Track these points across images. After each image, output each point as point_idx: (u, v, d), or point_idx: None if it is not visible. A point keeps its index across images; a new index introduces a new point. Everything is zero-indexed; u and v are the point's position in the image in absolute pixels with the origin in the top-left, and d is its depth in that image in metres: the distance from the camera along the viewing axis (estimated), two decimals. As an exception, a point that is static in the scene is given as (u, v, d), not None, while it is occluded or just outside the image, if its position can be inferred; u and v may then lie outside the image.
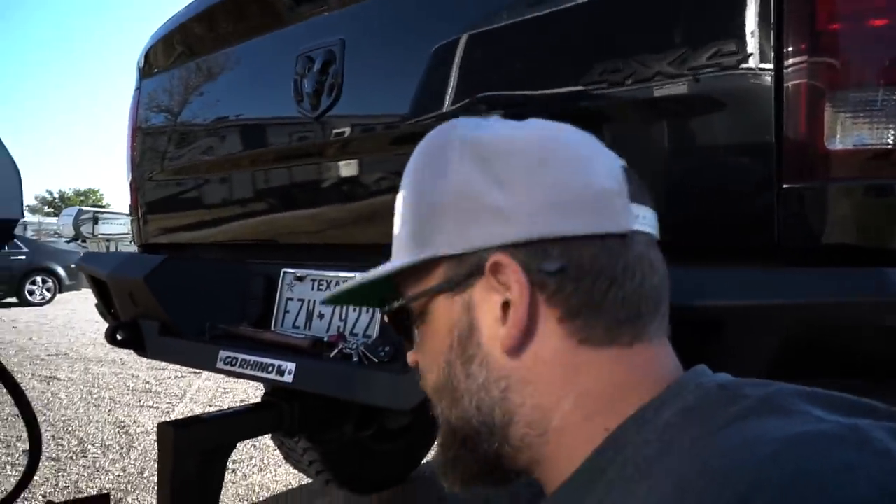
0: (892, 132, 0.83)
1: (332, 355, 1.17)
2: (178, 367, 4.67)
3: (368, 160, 1.32)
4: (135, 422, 3.47)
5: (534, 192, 0.47)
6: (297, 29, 1.37)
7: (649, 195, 0.51)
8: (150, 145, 1.77)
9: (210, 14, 1.57)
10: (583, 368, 0.47)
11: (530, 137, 0.51)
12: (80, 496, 2.43)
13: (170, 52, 1.71)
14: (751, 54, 0.85)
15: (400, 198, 0.55)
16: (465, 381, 0.50)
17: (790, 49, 0.83)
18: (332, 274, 1.34)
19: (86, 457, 2.95)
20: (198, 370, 4.55)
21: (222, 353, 1.24)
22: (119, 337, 1.45)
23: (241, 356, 1.21)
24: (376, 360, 1.13)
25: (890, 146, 0.83)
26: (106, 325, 1.55)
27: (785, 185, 0.84)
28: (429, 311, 0.52)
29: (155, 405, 3.80)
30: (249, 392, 3.95)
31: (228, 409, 1.28)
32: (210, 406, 3.73)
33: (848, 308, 0.72)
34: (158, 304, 1.41)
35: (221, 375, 4.40)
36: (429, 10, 1.23)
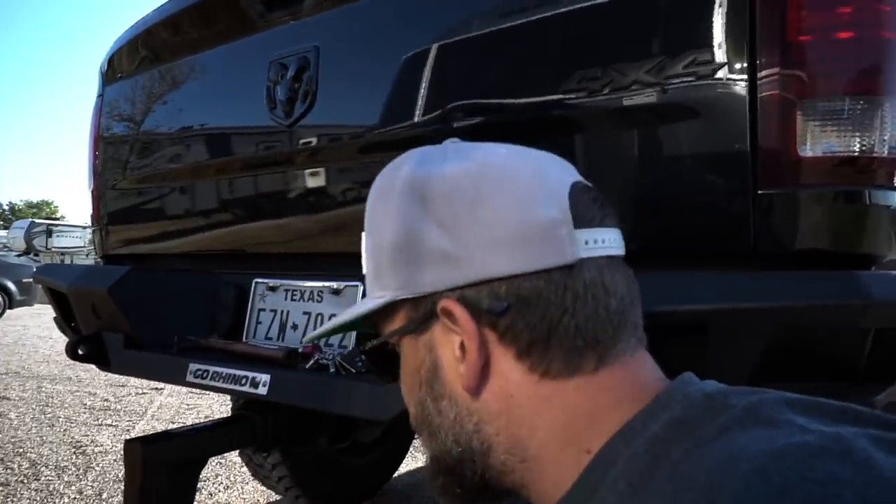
0: (858, 140, 0.86)
1: (307, 366, 1.15)
2: (138, 383, 4.52)
3: (342, 168, 1.30)
4: (92, 441, 3.34)
5: (473, 232, 0.47)
6: (270, 35, 1.35)
7: (610, 211, 0.51)
8: (113, 153, 1.72)
9: (178, 19, 1.54)
10: (550, 400, 0.47)
11: (470, 172, 0.49)
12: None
13: (135, 58, 1.67)
14: (725, 64, 0.87)
15: (363, 236, 0.56)
16: (437, 416, 0.51)
17: (763, 59, 0.85)
18: (306, 284, 1.31)
19: (38, 480, 2.81)
20: (159, 386, 4.41)
21: (192, 366, 1.20)
22: (80, 351, 1.39)
23: (212, 368, 1.18)
24: (353, 371, 1.11)
25: (856, 153, 0.86)
26: (64, 341, 1.49)
27: (760, 192, 0.86)
28: (400, 349, 0.54)
29: (114, 423, 3.66)
30: (214, 408, 3.85)
31: (199, 423, 1.24)
32: (173, 423, 3.61)
33: (824, 311, 0.74)
34: (123, 316, 1.36)
35: (185, 391, 4.24)
36: (405, 18, 1.22)
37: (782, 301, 0.75)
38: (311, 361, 1.16)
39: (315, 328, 1.27)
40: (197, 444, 1.05)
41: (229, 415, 1.29)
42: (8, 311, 10.36)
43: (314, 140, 1.30)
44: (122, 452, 3.08)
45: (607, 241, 0.49)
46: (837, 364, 0.81)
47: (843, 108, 0.85)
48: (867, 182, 0.86)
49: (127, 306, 1.36)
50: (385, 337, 0.54)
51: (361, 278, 1.36)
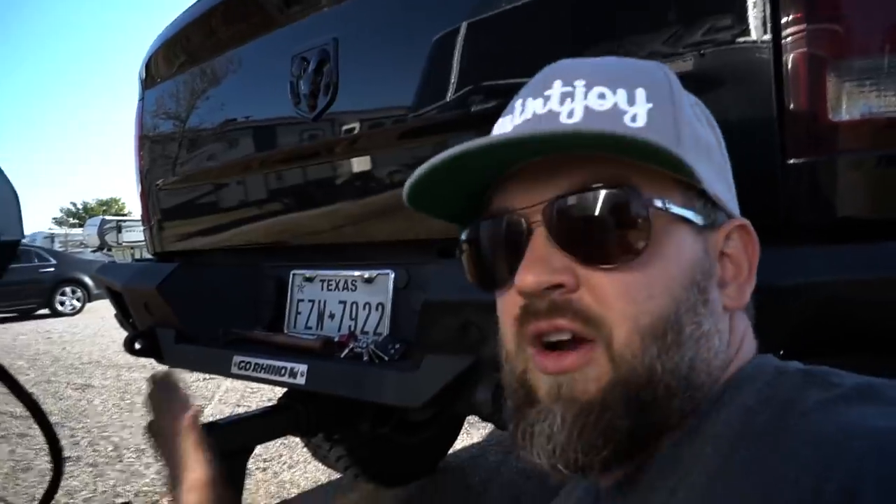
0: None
1: (342, 355, 1.18)
2: (205, 369, 4.75)
3: (368, 157, 1.31)
4: (166, 425, 3.53)
5: (727, 173, 0.52)
6: (291, 30, 1.37)
7: None
8: (155, 154, 1.79)
9: (204, 20, 1.57)
10: (744, 337, 0.49)
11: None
12: (117, 501, 2.50)
13: (168, 61, 1.72)
14: (746, 24, 0.82)
15: (639, 95, 0.47)
16: (692, 325, 0.44)
17: (787, 16, 0.80)
18: (340, 273, 1.34)
19: (122, 461, 3.01)
20: (225, 371, 4.62)
21: (236, 358, 1.25)
22: (137, 346, 1.47)
23: (254, 360, 1.22)
24: (386, 358, 1.13)
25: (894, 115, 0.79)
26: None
27: (790, 161, 0.81)
28: (664, 232, 0.45)
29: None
30: (277, 391, 4.00)
31: (244, 413, 1.30)
32: (238, 406, 3.78)
33: (864, 285, 0.70)
34: (172, 311, 1.42)
35: (247, 376, 4.35)
36: (420, 5, 1.21)
37: (831, 276, 0.72)
38: (347, 350, 1.18)
39: (351, 317, 1.30)
40: (243, 433, 1.10)
41: (274, 404, 1.33)
42: (88, 305, 11.03)
43: (337, 131, 1.31)
44: (192, 436, 3.22)
45: None
46: (877, 338, 0.77)
47: (882, 64, 0.79)
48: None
49: (175, 302, 1.43)
50: (673, 208, 0.45)
51: (392, 265, 1.36)
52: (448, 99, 1.12)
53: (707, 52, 0.85)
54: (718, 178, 0.49)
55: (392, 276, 1.24)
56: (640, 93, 0.46)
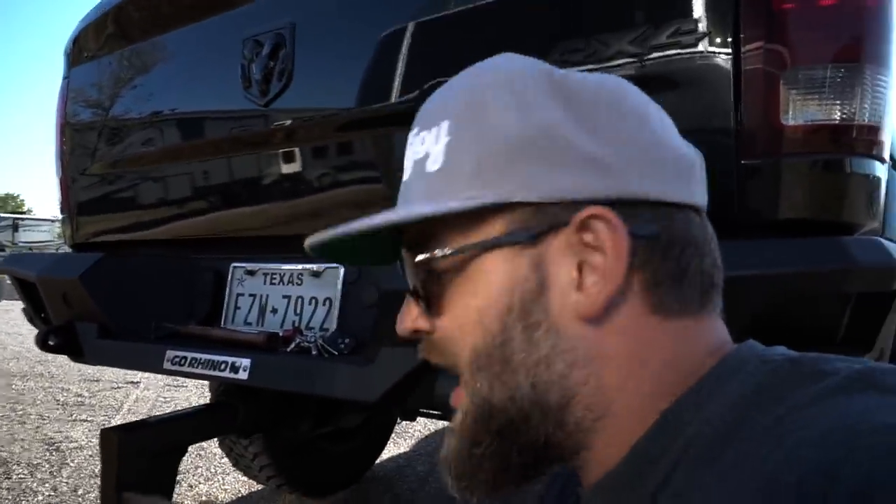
0: (838, 108, 0.86)
1: (288, 350, 1.13)
2: (113, 377, 4.44)
3: (320, 148, 1.27)
4: (66, 437, 3.26)
5: (629, 147, 0.42)
6: (244, 12, 1.31)
7: None
8: (81, 138, 1.66)
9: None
10: (653, 342, 0.42)
11: (614, 86, 0.45)
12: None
13: (102, 38, 1.61)
14: (709, 34, 0.87)
15: (438, 130, 0.45)
16: (523, 351, 0.42)
17: (747, 28, 0.85)
18: (285, 267, 1.29)
19: (10, 478, 2.75)
20: (135, 380, 4.34)
21: (170, 353, 1.17)
22: (51, 342, 1.35)
23: (190, 355, 1.15)
24: (336, 353, 1.09)
25: (836, 122, 0.86)
26: (35, 333, 1.44)
27: (743, 161, 0.86)
28: (473, 265, 0.44)
29: (89, 418, 3.58)
30: (192, 400, 3.79)
31: (178, 410, 1.22)
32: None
33: (810, 277, 0.74)
34: (96, 304, 1.32)
35: (161, 385, 4.17)
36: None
37: (770, 269, 0.75)
38: (293, 345, 1.14)
39: (296, 312, 1.25)
40: (176, 432, 1.02)
41: (208, 402, 1.26)
42: (-27, 309, 10.08)
43: (290, 120, 1.26)
44: (97, 448, 3.01)
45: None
46: (816, 331, 0.82)
47: (825, 76, 0.85)
48: (847, 150, 0.86)
49: (100, 294, 1.32)
50: (474, 245, 0.43)
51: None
52: (408, 93, 1.11)
53: (671, 55, 0.88)
54: (559, 166, 0.42)
55: (342, 269, 1.20)
56: (444, 126, 0.45)
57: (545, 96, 0.43)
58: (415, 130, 0.48)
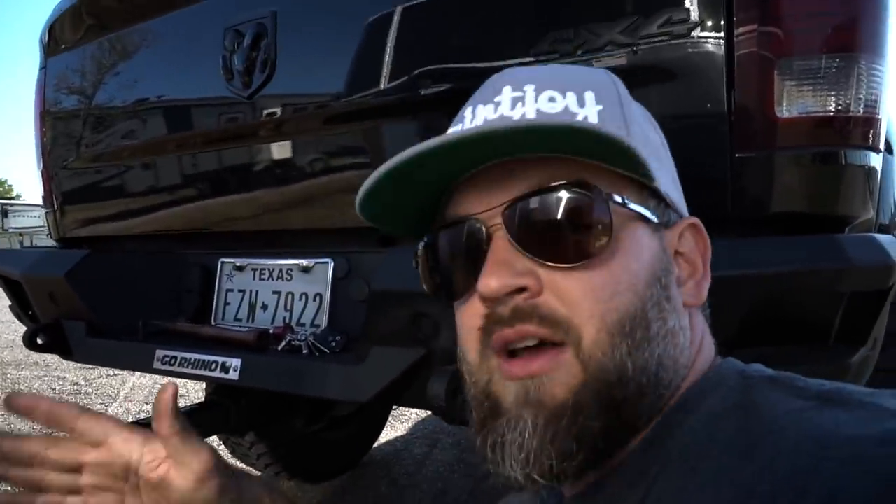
0: (833, 99, 0.84)
1: (279, 348, 1.11)
2: (107, 365, 4.44)
3: (306, 140, 1.25)
4: (63, 426, 3.26)
5: (671, 172, 0.53)
6: (224, 0, 1.27)
7: None
8: (61, 130, 1.62)
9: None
10: (703, 337, 0.49)
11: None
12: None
13: (79, 26, 1.56)
14: (702, 22, 0.84)
15: (588, 97, 0.47)
16: (659, 320, 0.44)
17: (741, 16, 0.82)
18: (275, 262, 1.27)
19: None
20: (130, 367, 4.34)
21: (159, 353, 1.16)
22: (39, 341, 1.33)
23: (180, 354, 1.13)
24: (327, 351, 1.08)
25: (832, 113, 0.84)
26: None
27: (738, 155, 0.84)
28: (624, 229, 0.45)
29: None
30: (189, 387, 3.80)
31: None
32: (147, 405, 3.56)
33: (807, 276, 0.73)
34: (83, 302, 1.30)
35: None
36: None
37: (763, 269, 0.74)
38: (283, 343, 1.12)
39: (286, 308, 1.24)
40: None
41: (201, 401, 1.24)
42: (-33, 296, 10.00)
43: (274, 111, 1.23)
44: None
45: None
46: (811, 328, 0.81)
47: (819, 66, 0.83)
48: (843, 142, 0.85)
49: (87, 292, 1.30)
50: (631, 205, 0.45)
51: (331, 254, 1.30)
52: (394, 81, 1.08)
53: (662, 45, 0.86)
54: (667, 178, 0.49)
55: (331, 265, 1.18)
56: (589, 95, 0.47)
57: (650, 120, 0.53)
58: (529, 87, 0.47)
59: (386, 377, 0.91)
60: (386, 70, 1.09)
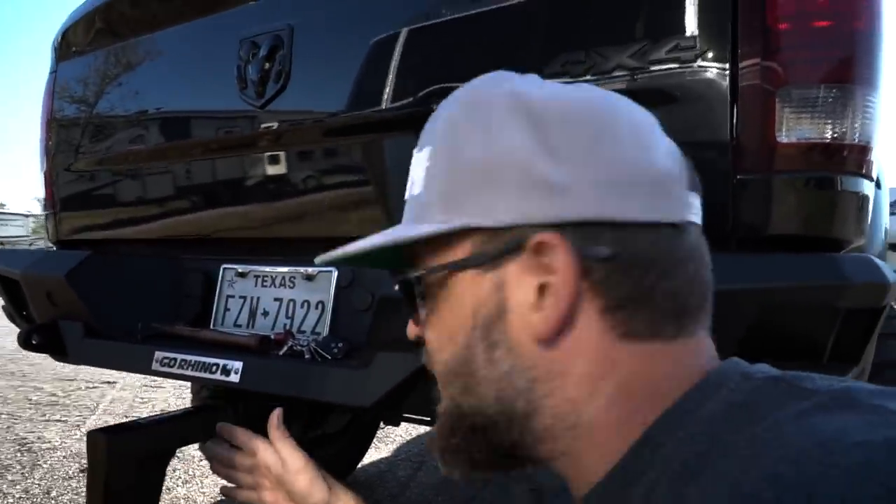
0: (830, 127, 0.88)
1: (280, 353, 1.12)
2: (88, 377, 4.35)
3: (315, 151, 1.27)
4: (39, 437, 3.19)
5: (590, 167, 0.42)
6: (240, 12, 1.31)
7: (699, 183, 0.48)
8: (68, 134, 1.64)
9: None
10: (620, 363, 0.42)
11: (589, 104, 0.45)
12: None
13: (93, 32, 1.59)
14: (707, 51, 0.88)
15: (424, 153, 0.48)
16: (486, 367, 0.45)
17: (744, 47, 0.87)
18: (277, 269, 1.28)
19: (-21, 474, 2.68)
20: (111, 379, 4.26)
21: (158, 354, 1.16)
22: (34, 341, 1.32)
23: (180, 356, 1.13)
24: (329, 357, 1.09)
25: (828, 140, 0.88)
26: (5, 335, 1.41)
27: (739, 177, 0.88)
28: (448, 284, 0.47)
29: (63, 419, 3.51)
30: (170, 401, 3.74)
31: (166, 412, 1.20)
32: (126, 417, 3.49)
33: (803, 292, 0.76)
34: (82, 303, 1.30)
35: (138, 385, 4.09)
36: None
37: (761, 283, 0.77)
38: (285, 348, 1.13)
39: (287, 315, 1.24)
40: (165, 435, 1.01)
41: (200, 404, 1.24)
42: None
43: (286, 122, 1.26)
44: (71, 449, 2.95)
45: (700, 210, 0.47)
46: (806, 344, 0.84)
47: (818, 95, 0.88)
48: (839, 169, 0.89)
49: (86, 293, 1.30)
50: (443, 266, 0.46)
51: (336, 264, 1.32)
52: (405, 97, 1.11)
53: (669, 71, 0.90)
54: (516, 193, 0.43)
55: (335, 273, 1.20)
56: (426, 151, 0.48)
57: (510, 120, 0.44)
58: (417, 148, 0.51)
59: (390, 381, 0.92)
60: (397, 85, 1.12)
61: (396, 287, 0.52)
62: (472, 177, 0.44)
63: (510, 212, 0.43)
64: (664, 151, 0.45)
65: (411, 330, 0.54)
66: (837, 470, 0.30)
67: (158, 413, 3.46)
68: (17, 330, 1.42)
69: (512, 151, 0.43)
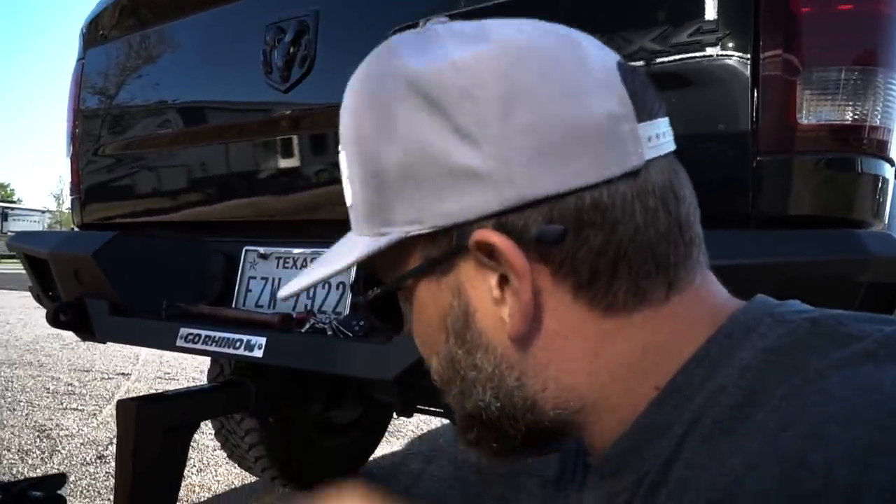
0: (851, 110, 0.89)
1: (303, 330, 1.14)
2: (104, 367, 4.41)
3: (337, 134, 1.29)
4: (57, 425, 3.24)
5: (509, 141, 0.36)
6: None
7: (656, 94, 0.40)
8: (95, 119, 1.67)
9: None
10: (614, 337, 0.38)
11: (493, 59, 0.37)
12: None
13: (122, 19, 1.62)
14: (729, 34, 0.90)
15: (343, 158, 0.44)
16: (471, 371, 0.41)
17: (767, 30, 0.88)
18: (298, 251, 1.30)
19: (0, 463, 2.72)
20: (126, 371, 4.31)
21: (183, 331, 1.18)
22: (62, 318, 1.35)
23: (204, 332, 1.16)
24: (350, 335, 1.11)
25: (849, 122, 0.89)
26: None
27: (760, 158, 0.89)
28: (415, 294, 0.43)
29: (80, 407, 3.56)
30: (191, 375, 3.78)
31: (192, 386, 1.22)
32: (141, 407, 3.53)
33: (825, 266, 0.77)
34: (108, 281, 1.33)
35: (152, 377, 4.13)
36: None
37: (785, 257, 0.78)
38: (307, 326, 1.15)
39: (308, 295, 1.27)
40: (191, 406, 1.03)
41: (223, 380, 1.26)
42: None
43: (310, 105, 1.28)
44: (89, 436, 2.99)
45: (667, 135, 0.39)
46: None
47: (839, 78, 0.88)
48: (859, 150, 0.90)
49: (112, 271, 1.33)
50: (391, 285, 0.43)
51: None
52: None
53: (692, 55, 0.91)
54: (439, 189, 0.38)
55: (356, 254, 1.22)
56: (343, 157, 0.44)
57: (409, 109, 0.38)
58: (340, 150, 0.46)
59: (412, 356, 0.93)
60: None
61: (360, 322, 0.52)
62: (393, 182, 0.39)
63: (443, 213, 0.38)
64: (597, 84, 0.37)
65: (406, 329, 0.51)
66: (880, 421, 0.28)
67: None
68: (34, 322, 1.45)
69: (423, 146, 0.38)
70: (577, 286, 0.38)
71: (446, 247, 0.39)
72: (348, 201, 0.44)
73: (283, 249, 1.33)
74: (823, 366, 0.32)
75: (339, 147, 0.44)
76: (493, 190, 0.36)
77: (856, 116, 0.89)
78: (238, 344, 1.12)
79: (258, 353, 1.09)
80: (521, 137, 0.36)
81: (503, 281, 0.38)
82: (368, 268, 0.44)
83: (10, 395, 3.85)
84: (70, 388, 4.04)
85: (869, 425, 0.29)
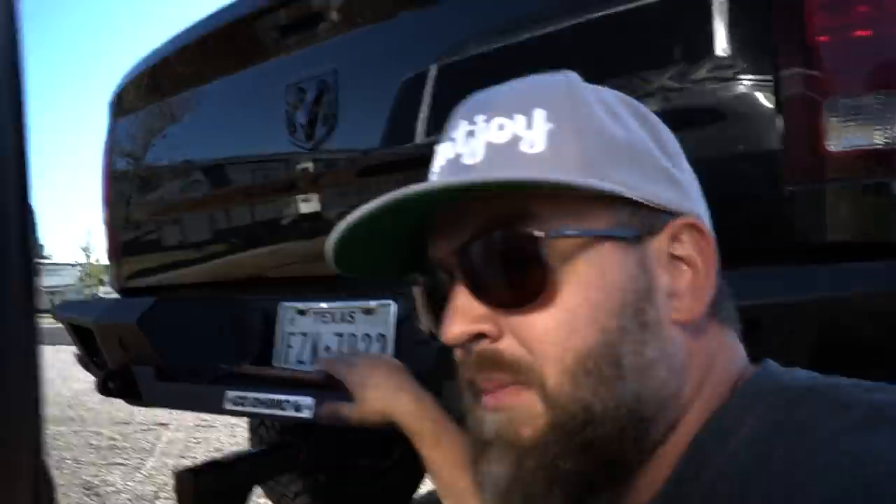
0: (880, 133, 0.89)
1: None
2: (143, 419, 4.47)
3: (365, 188, 1.32)
4: (103, 481, 3.28)
5: (685, 171, 0.47)
6: (288, 60, 1.38)
7: None
8: (128, 185, 1.73)
9: (192, 49, 1.56)
10: (717, 351, 0.44)
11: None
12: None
13: (148, 89, 1.68)
14: (750, 67, 0.91)
15: (537, 117, 0.43)
16: (634, 353, 0.40)
17: (783, 60, 0.89)
18: (336, 305, 1.32)
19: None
20: (164, 421, 4.36)
21: (230, 394, 1.20)
22: (111, 385, 1.39)
23: (251, 395, 1.18)
24: (395, 388, 1.11)
25: (879, 146, 0.89)
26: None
27: (790, 188, 0.89)
28: (584, 256, 0.41)
29: (123, 462, 3.61)
30: (223, 441, 3.80)
31: (243, 451, 1.24)
32: (183, 458, 3.56)
33: (874, 299, 0.77)
34: (153, 347, 1.36)
35: (191, 425, 4.16)
36: (422, 37, 1.25)
37: (831, 293, 0.78)
38: (351, 381, 1.16)
39: (348, 348, 1.28)
40: (245, 472, 1.04)
41: (272, 442, 1.28)
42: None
43: (334, 161, 1.31)
44: (135, 491, 3.02)
45: None
46: (877, 354, 0.83)
47: (864, 103, 0.88)
48: (892, 173, 0.89)
49: (157, 337, 1.36)
50: (586, 233, 0.41)
51: (394, 295, 1.35)
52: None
53: (715, 88, 0.92)
54: (651, 176, 0.44)
55: (394, 306, 1.23)
56: (539, 114, 0.43)
57: (628, 113, 0.46)
58: (480, 117, 0.45)
59: (456, 408, 0.94)
60: (439, 120, 1.16)
61: (498, 239, 0.42)
62: (616, 151, 0.43)
63: (650, 193, 0.43)
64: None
65: (464, 325, 0.42)
66: (870, 484, 0.31)
67: (212, 452, 3.52)
68: (73, 377, 1.49)
69: (641, 141, 0.45)
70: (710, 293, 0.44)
71: (648, 221, 0.43)
72: (528, 150, 0.43)
73: (320, 304, 1.35)
74: (823, 436, 0.35)
75: (517, 107, 0.44)
76: (682, 196, 0.45)
77: (886, 139, 0.88)
78: (286, 405, 1.13)
79: (307, 414, 1.10)
80: (687, 172, 0.48)
81: (685, 272, 0.43)
82: (507, 214, 0.42)
83: (56, 452, 3.91)
84: (112, 441, 4.09)
85: (861, 485, 0.31)
